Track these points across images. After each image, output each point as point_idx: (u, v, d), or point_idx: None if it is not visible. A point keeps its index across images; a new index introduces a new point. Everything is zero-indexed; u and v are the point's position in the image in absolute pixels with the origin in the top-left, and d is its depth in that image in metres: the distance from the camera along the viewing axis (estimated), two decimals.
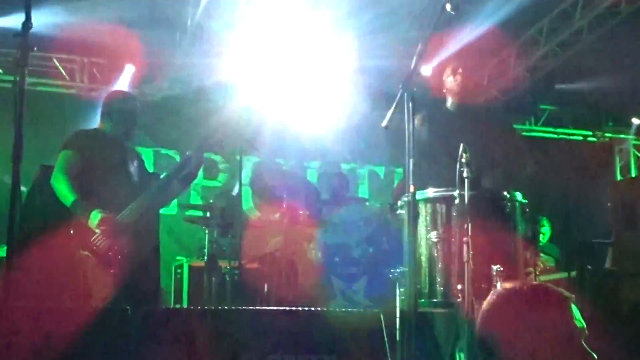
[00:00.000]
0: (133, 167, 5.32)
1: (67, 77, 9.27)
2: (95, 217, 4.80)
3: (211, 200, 7.59)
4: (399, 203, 4.73)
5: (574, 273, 8.26)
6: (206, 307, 6.67)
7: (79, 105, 9.08)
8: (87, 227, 4.81)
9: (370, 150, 10.48)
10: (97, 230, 4.80)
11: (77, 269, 4.97)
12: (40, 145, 7.21)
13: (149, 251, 5.19)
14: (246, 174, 9.37)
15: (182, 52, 8.74)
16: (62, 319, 2.72)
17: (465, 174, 4.14)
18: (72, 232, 4.87)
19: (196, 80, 9.24)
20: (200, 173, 9.37)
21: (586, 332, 2.14)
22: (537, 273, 6.78)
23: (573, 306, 2.15)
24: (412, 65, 3.99)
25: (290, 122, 9.99)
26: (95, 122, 5.45)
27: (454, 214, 4.28)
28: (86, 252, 4.83)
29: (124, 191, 5.11)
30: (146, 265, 5.11)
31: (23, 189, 5.88)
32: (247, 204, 9.46)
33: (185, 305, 7.46)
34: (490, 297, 2.25)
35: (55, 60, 9.17)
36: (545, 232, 8.82)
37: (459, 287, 4.13)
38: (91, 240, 4.83)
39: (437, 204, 4.46)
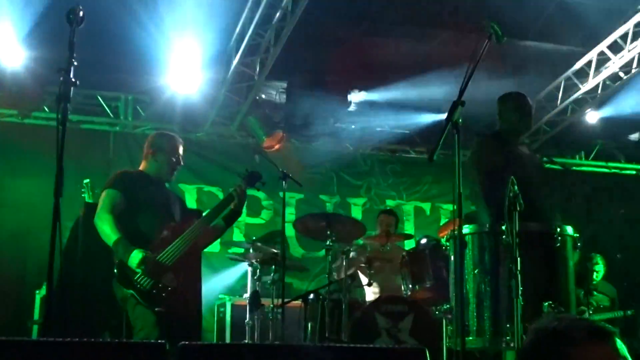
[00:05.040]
0: (175, 209, 5.36)
1: (111, 114, 9.41)
2: (136, 257, 4.80)
3: (254, 238, 7.59)
4: (445, 237, 4.66)
5: (630, 312, 8.04)
6: (247, 342, 6.68)
7: (124, 142, 9.22)
8: (128, 266, 4.82)
9: (415, 186, 10.44)
10: (139, 270, 4.81)
11: (120, 307, 4.98)
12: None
13: (191, 289, 5.19)
14: (289, 211, 9.39)
15: (226, 88, 8.81)
16: (100, 355, 2.70)
17: (514, 207, 4.06)
18: (115, 271, 4.89)
19: (239, 117, 9.31)
20: (244, 210, 9.45)
21: None
22: (591, 312, 6.62)
23: (618, 342, 2.04)
24: (458, 96, 3.97)
25: (331, 156, 10.02)
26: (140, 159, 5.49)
27: (502, 248, 4.19)
28: (130, 291, 4.84)
29: (167, 231, 5.13)
30: (188, 303, 5.10)
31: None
32: (291, 241, 9.48)
33: None
34: (528, 336, 2.15)
35: (99, 97, 9.33)
36: (599, 269, 8.60)
37: (508, 325, 4.04)
38: (135, 279, 4.84)
39: (485, 237, 4.38)
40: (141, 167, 5.38)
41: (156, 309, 4.81)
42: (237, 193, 5.33)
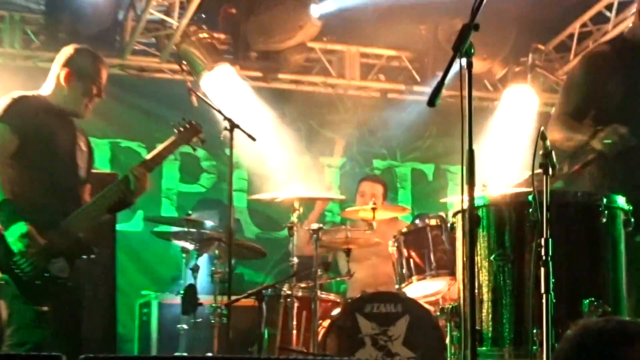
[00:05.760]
0: (82, 158, 5.31)
1: None
2: (16, 230, 4.77)
3: (190, 212, 7.60)
4: (451, 211, 4.69)
5: None
6: (180, 356, 6.69)
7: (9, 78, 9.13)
8: (5, 239, 4.79)
9: (414, 140, 10.45)
10: (20, 245, 4.77)
11: None
12: None
13: (100, 282, 5.19)
14: (240, 175, 9.39)
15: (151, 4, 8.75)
16: None
17: (545, 169, 4.09)
18: None
19: (169, 44, 9.25)
20: (176, 175, 9.43)
21: None
22: None
23: None
24: (470, 18, 3.96)
25: (298, 97, 9.99)
26: None
27: (529, 225, 4.24)
28: (5, 276, 4.82)
29: (67, 192, 5.10)
30: (93, 301, 5.10)
31: None
32: (242, 216, 9.48)
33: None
34: (563, 342, 2.24)
35: None
36: None
37: (535, 330, 4.09)
38: (13, 260, 4.81)
39: (505, 211, 4.42)
40: (45, 93, 5.30)
41: (39, 308, 4.80)
42: (134, 178, 5.22)
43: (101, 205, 5.12)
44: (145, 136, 9.31)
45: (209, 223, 7.25)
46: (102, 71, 5.40)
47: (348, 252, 7.04)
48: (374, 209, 7.14)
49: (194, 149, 5.64)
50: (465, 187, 3.70)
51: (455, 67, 3.72)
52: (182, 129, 5.50)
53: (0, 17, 9.33)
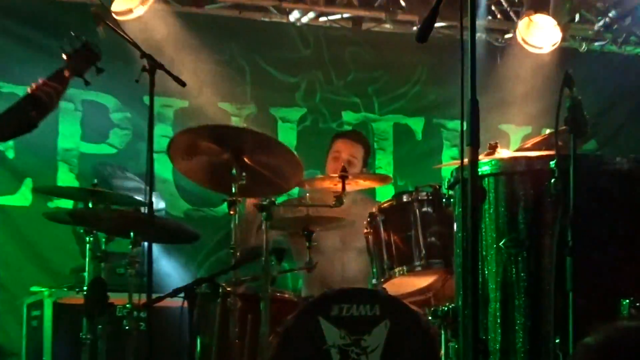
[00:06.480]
0: None
1: None
2: None
3: (95, 181, 7.60)
4: (449, 181, 4.74)
5: None
6: None
7: None
8: None
9: (397, 86, 10.49)
10: None
11: None
12: None
13: None
14: (163, 131, 9.39)
15: None
16: None
17: (573, 127, 4.15)
18: None
19: None
20: (77, 130, 9.42)
21: None
22: None
23: None
24: None
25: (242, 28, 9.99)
26: None
27: (549, 201, 4.29)
28: None
29: None
30: None
31: None
32: (167, 187, 9.49)
33: None
34: (583, 346, 2.29)
35: None
36: None
37: (558, 340, 4.15)
38: None
39: (518, 182, 4.46)
40: None
41: None
42: (36, 95, 5.21)
43: None
44: (34, 78, 9.25)
45: (137, 197, 7.25)
46: None
47: (309, 235, 7.05)
48: (343, 177, 7.14)
49: (87, 83, 5.52)
50: (466, 149, 3.75)
51: None
52: (73, 53, 5.40)
53: None
